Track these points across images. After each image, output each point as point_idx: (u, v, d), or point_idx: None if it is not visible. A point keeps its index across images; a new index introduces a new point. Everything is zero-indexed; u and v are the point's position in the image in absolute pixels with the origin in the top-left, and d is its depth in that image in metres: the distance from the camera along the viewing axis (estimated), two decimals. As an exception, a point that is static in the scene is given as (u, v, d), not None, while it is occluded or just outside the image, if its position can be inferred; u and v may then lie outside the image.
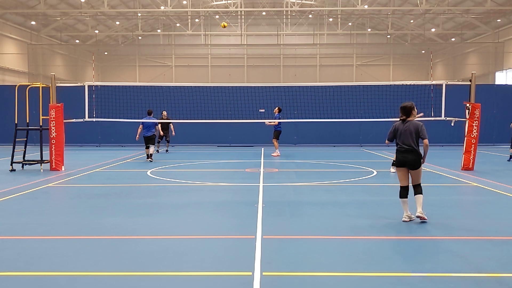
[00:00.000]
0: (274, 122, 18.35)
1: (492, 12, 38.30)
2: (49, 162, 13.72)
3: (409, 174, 7.33)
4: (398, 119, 7.44)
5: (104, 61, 52.85)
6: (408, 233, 6.69)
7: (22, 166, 14.02)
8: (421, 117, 13.88)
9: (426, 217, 7.14)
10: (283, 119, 19.26)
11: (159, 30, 51.13)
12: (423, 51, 50.61)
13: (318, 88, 22.15)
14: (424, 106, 15.97)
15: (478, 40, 44.65)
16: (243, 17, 48.08)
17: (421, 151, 7.30)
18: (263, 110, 21.30)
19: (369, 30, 49.57)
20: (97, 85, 20.95)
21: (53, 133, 13.66)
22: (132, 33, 48.46)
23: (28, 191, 10.21)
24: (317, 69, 52.14)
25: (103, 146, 23.63)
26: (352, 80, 48.60)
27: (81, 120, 15.01)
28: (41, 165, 13.74)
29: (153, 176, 12.75)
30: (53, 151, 13.64)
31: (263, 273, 4.97)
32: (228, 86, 22.54)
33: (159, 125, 18.81)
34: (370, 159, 17.23)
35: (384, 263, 5.36)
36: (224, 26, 17.67)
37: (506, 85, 32.50)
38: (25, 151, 14.38)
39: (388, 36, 50.81)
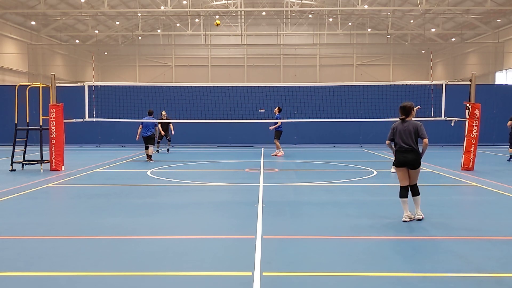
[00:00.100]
0: (278, 123, 18.32)
1: (492, 12, 38.31)
2: (49, 162, 13.72)
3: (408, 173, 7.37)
4: (398, 119, 7.47)
5: (104, 61, 52.86)
6: (408, 233, 6.69)
7: (22, 166, 14.03)
8: (418, 109, 13.87)
9: (423, 215, 7.37)
10: (284, 119, 19.26)
11: (159, 30, 51.14)
12: (423, 51, 50.62)
13: (318, 88, 22.15)
14: (424, 106, 15.92)
15: (478, 40, 44.66)
16: (243, 17, 48.09)
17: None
18: (263, 110, 21.30)
19: (369, 30, 49.58)
20: (97, 85, 20.94)
21: (53, 133, 13.66)
22: (132, 33, 48.46)
23: (28, 191, 10.21)
24: (317, 69, 52.15)
25: (103, 146, 23.63)
26: (352, 80, 48.60)
27: (81, 120, 15.01)
28: (41, 165, 13.74)
29: (153, 176, 12.75)
30: (53, 151, 13.65)
31: (263, 273, 4.97)
32: (228, 86, 22.54)
33: (159, 125, 18.82)
34: (370, 159, 17.23)
35: (384, 263, 5.36)
36: (217, 24, 17.77)
37: (506, 85, 32.51)
38: (25, 151, 14.38)
39: (388, 36, 50.82)
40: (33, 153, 16.73)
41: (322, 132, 23.66)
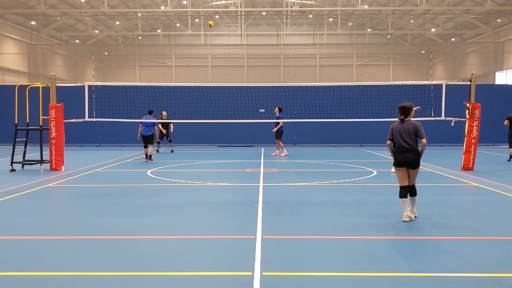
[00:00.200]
0: (280, 124, 18.29)
1: (492, 12, 38.31)
2: (49, 162, 13.72)
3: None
4: (398, 119, 7.48)
5: (104, 61, 52.86)
6: (408, 233, 6.69)
7: (22, 166, 14.03)
8: (418, 109, 13.88)
9: (417, 213, 7.56)
10: (284, 119, 19.26)
11: (159, 30, 51.14)
12: (423, 51, 50.62)
13: (318, 88, 22.15)
14: (424, 106, 15.93)
15: (478, 40, 44.66)
16: (243, 17, 48.09)
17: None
18: (263, 110, 21.30)
19: (369, 30, 49.58)
20: (97, 85, 20.95)
21: (53, 133, 13.67)
22: (132, 33, 48.46)
23: (28, 191, 10.21)
24: (317, 69, 52.14)
25: (103, 146, 23.63)
26: (352, 80, 48.61)
27: (81, 120, 15.00)
28: (41, 165, 13.74)
29: (153, 176, 12.76)
30: (53, 151, 13.65)
31: (263, 273, 4.97)
32: (228, 86, 22.53)
33: (160, 125, 18.81)
34: (370, 159, 17.23)
35: (384, 263, 5.36)
36: (211, 26, 17.82)
37: (506, 85, 32.51)
38: (25, 151, 14.38)
39: (388, 36, 50.81)
40: (33, 153, 16.73)
41: (322, 132, 23.67)
